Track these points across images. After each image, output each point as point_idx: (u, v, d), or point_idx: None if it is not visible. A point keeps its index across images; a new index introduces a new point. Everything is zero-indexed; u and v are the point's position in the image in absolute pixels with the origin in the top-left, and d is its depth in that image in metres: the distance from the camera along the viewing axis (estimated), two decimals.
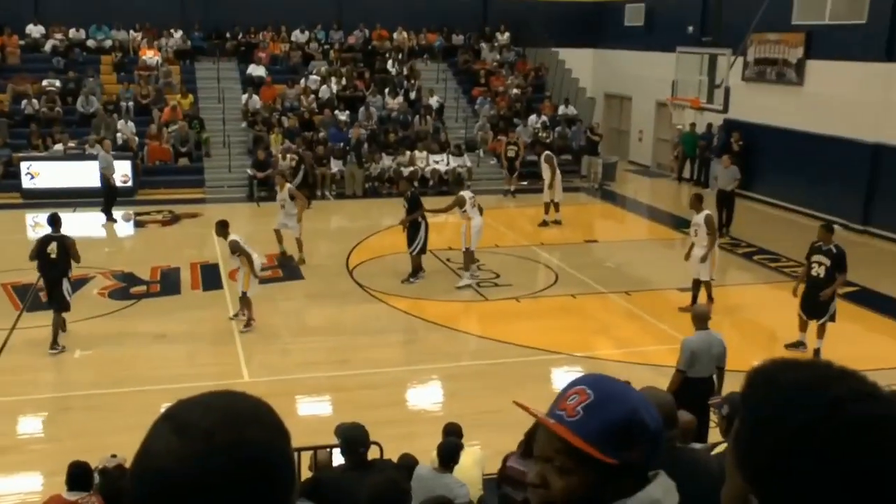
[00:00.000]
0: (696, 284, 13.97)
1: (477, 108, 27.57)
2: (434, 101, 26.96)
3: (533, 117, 26.77)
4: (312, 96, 26.26)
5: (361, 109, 25.79)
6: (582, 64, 30.29)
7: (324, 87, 26.67)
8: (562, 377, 11.78)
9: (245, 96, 25.78)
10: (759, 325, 13.72)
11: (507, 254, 17.44)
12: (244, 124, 25.17)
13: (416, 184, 16.48)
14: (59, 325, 12.19)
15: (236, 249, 12.82)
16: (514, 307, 14.39)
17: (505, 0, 30.57)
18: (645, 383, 5.21)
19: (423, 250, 15.48)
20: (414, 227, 15.38)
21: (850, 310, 14.54)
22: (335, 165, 23.57)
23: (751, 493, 1.30)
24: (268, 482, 1.27)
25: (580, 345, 12.76)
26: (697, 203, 13.96)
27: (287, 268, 16.32)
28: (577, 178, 25.63)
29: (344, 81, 27.14)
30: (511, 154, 23.72)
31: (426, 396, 11.32)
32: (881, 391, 1.29)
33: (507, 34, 30.65)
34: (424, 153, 24.35)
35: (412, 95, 27.29)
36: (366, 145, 24.08)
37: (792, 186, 21.88)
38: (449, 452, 6.75)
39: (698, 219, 13.81)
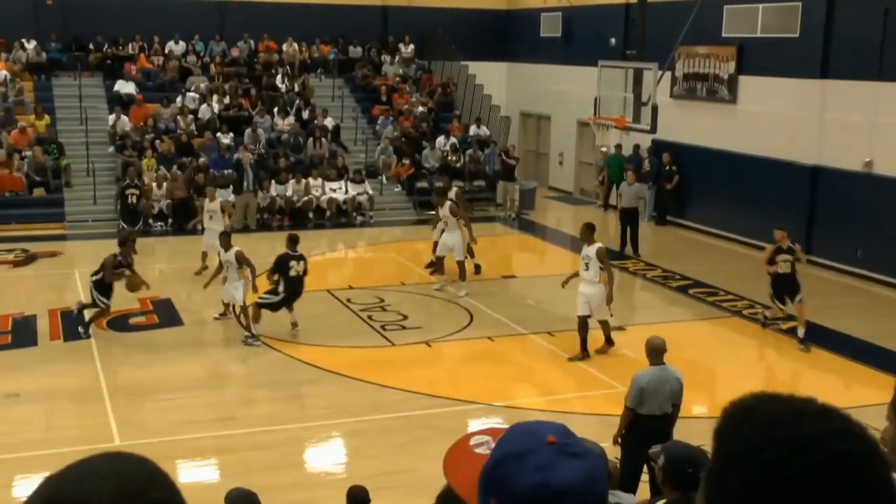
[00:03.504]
0: (603, 323, 14.16)
1: (378, 128, 27.70)
2: (329, 122, 26.97)
3: (441, 139, 27.01)
4: (191, 117, 26.02)
5: (247, 131, 25.66)
6: (495, 79, 30.73)
7: (203, 106, 26.45)
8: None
9: (112, 117, 25.40)
10: (698, 366, 13.96)
11: (414, 292, 17.48)
12: (111, 149, 24.77)
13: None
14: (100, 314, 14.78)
15: (242, 260, 14.58)
16: (424, 353, 14.43)
17: (408, 8, 30.91)
18: None
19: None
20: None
21: (792, 346, 15.02)
22: (218, 195, 23.24)
23: None
24: None
25: (498, 393, 12.83)
26: (589, 234, 13.90)
27: (164, 313, 16.06)
28: (492, 207, 25.93)
29: (227, 100, 26.98)
30: None
31: (326, 456, 11.23)
32: (860, 430, 1.36)
33: (410, 46, 30.94)
34: (320, 180, 24.33)
35: (305, 115, 27.28)
36: (250, 172, 23.89)
37: (727, 213, 22.54)
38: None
39: (589, 251, 13.79)
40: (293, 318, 14.90)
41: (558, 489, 1.62)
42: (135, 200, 20.55)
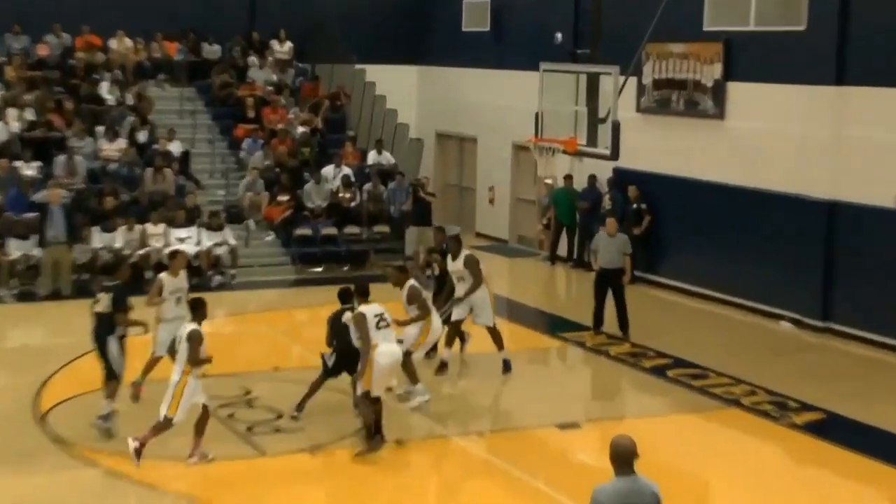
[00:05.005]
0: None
1: (243, 155, 27.63)
2: (176, 147, 26.81)
3: (329, 169, 26.98)
4: None
5: (61, 159, 25.11)
6: (402, 88, 30.95)
7: None
8: None
9: None
10: (682, 475, 13.74)
11: (293, 380, 17.05)
12: None
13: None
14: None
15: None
16: (305, 465, 14.14)
17: None
18: None
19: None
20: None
21: (812, 447, 14.85)
22: (17, 248, 22.70)
23: None
24: None
25: None
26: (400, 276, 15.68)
27: None
28: (401, 260, 25.60)
29: (31, 115, 26.47)
30: None
31: None
32: None
33: (287, 44, 31.04)
34: (162, 227, 23.95)
35: (141, 137, 27.01)
36: (62, 216, 23.23)
37: (715, 266, 22.68)
38: None
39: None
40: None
41: None
42: None
